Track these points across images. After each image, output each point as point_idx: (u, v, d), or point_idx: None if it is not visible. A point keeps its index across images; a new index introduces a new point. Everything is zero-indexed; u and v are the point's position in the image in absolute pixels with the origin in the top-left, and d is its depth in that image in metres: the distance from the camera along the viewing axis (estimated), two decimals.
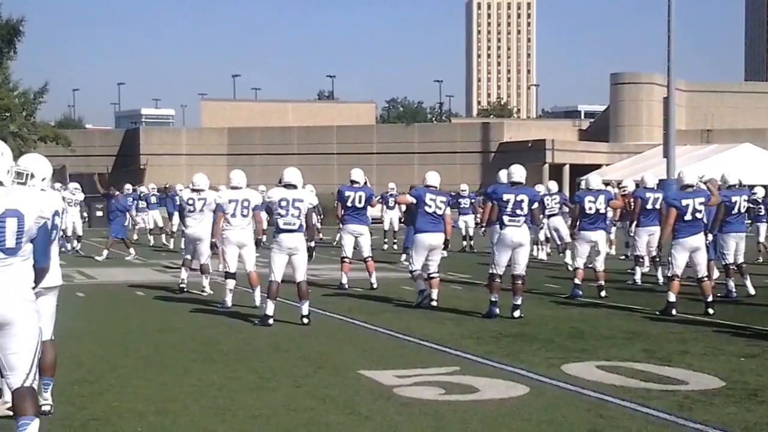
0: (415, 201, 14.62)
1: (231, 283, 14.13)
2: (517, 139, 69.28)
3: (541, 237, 24.48)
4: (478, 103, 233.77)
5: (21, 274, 5.64)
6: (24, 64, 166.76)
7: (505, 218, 13.06)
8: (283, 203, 12.21)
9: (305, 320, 12.24)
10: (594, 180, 16.11)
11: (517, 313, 12.95)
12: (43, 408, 7.01)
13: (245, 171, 14.60)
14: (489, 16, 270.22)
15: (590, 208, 15.43)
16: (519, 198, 13.11)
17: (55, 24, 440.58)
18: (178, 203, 27.83)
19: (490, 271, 13.28)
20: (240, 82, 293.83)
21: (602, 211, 15.64)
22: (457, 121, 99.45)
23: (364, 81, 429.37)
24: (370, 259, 17.01)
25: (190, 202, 15.98)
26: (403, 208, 23.13)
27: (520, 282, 13.21)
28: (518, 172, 13.48)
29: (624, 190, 21.82)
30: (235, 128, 75.29)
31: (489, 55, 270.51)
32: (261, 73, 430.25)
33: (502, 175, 16.14)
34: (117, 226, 24.78)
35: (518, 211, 13.08)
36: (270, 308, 12.23)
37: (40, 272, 5.82)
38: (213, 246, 14.63)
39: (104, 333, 11.80)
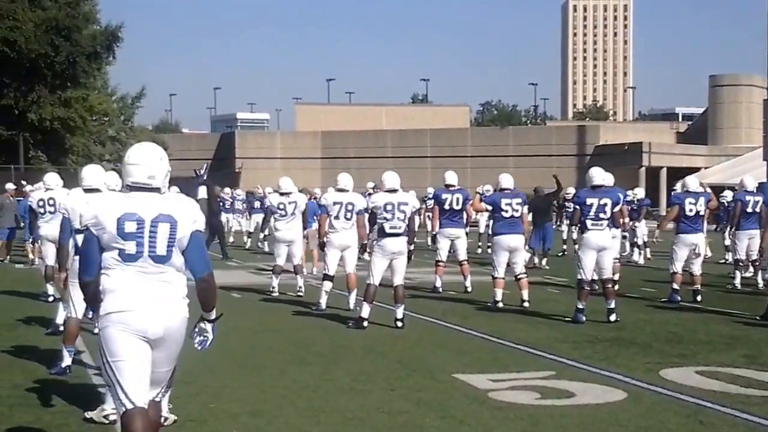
0: (490, 208, 14.61)
1: (328, 285, 14.17)
2: (613, 142, 68.36)
3: (639, 241, 24.15)
4: (574, 105, 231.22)
5: (175, 286, 5.38)
6: (122, 69, 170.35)
7: (588, 222, 12.91)
8: (389, 207, 12.23)
9: (399, 324, 12.22)
10: (692, 181, 15.76)
11: (613, 317, 12.75)
12: (112, 417, 7.04)
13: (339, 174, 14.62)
14: (585, 18, 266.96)
15: (691, 210, 15.10)
16: (602, 202, 12.95)
17: (152, 30, 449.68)
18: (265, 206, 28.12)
19: (579, 277, 13.09)
20: (334, 86, 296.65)
21: (702, 212, 15.32)
22: (552, 123, 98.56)
23: (459, 84, 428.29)
24: (465, 262, 16.92)
25: (281, 206, 16.04)
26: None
27: (610, 285, 13.07)
28: (598, 175, 13.30)
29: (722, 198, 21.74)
30: (329, 132, 75.79)
31: (585, 58, 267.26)
32: (355, 77, 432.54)
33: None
34: None
35: (601, 215, 12.91)
36: (365, 311, 12.24)
37: (204, 284, 5.44)
38: (322, 246, 14.62)
39: None
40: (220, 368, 9.47)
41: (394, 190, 12.43)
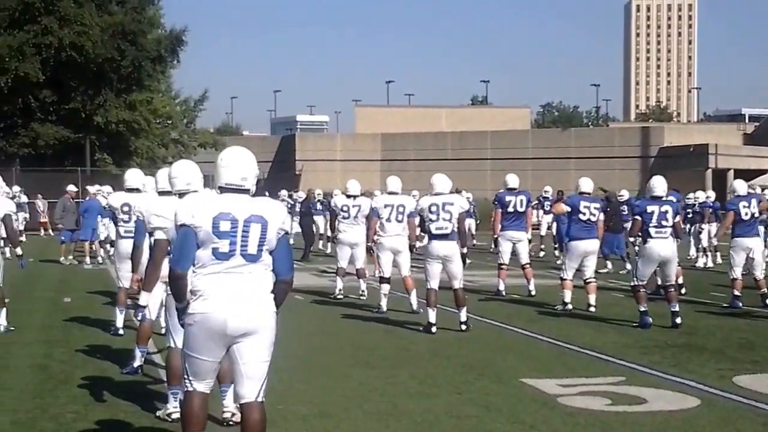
0: (570, 209, 14.47)
1: (386, 288, 14.27)
2: (678, 144, 67.48)
3: (704, 243, 23.78)
4: (637, 107, 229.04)
5: (264, 283, 5.61)
6: (185, 72, 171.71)
7: (652, 230, 12.72)
8: (433, 208, 12.18)
9: (463, 327, 12.17)
10: (740, 185, 15.44)
11: (678, 320, 12.57)
12: (224, 415, 7.17)
13: (399, 176, 14.70)
14: (648, 18, 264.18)
15: (746, 214, 14.84)
16: (663, 209, 12.80)
17: (213, 33, 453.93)
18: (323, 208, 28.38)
19: (633, 284, 12.94)
20: (393, 88, 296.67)
21: (756, 215, 15.07)
22: (614, 125, 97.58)
23: (519, 85, 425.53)
24: (528, 266, 16.78)
25: (345, 208, 16.04)
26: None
27: (673, 290, 12.88)
28: (660, 186, 13.12)
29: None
30: (388, 134, 75.78)
31: (648, 58, 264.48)
32: (414, 79, 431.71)
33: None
34: None
35: (664, 223, 12.74)
36: (432, 316, 12.17)
37: (284, 285, 5.72)
38: (369, 250, 14.74)
39: None
40: (285, 370, 9.47)
41: (442, 193, 12.39)
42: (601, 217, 14.58)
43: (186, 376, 5.67)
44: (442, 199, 12.26)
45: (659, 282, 13.13)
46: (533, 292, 16.42)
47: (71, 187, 25.26)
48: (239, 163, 5.72)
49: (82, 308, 14.36)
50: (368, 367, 9.79)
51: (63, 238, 23.91)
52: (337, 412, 7.66)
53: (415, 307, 13.87)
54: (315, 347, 11.09)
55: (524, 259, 16.74)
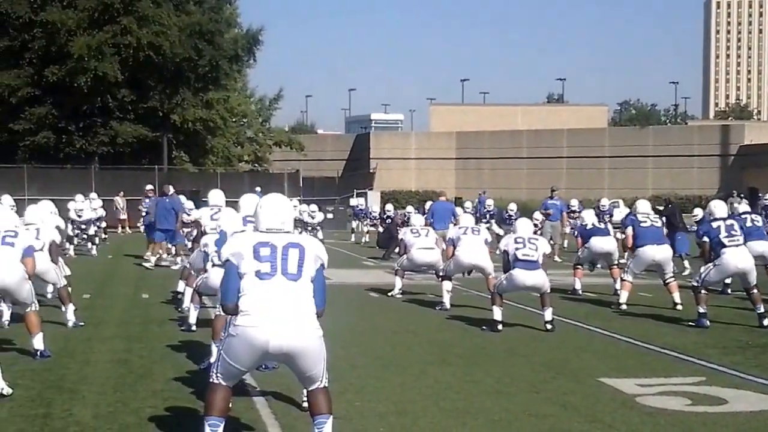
0: (632, 228, 14.39)
1: (448, 285, 14.52)
2: (758, 142, 66.11)
3: None
4: (716, 104, 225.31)
5: (306, 302, 5.94)
6: (260, 71, 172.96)
7: (725, 240, 12.49)
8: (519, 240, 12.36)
9: (548, 326, 12.09)
10: None
11: (765, 322, 12.31)
12: (304, 404, 7.20)
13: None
14: (729, 15, 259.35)
15: None
16: (728, 223, 12.69)
17: (289, 31, 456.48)
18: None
19: (694, 285, 12.73)
20: (468, 86, 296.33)
21: None
22: (693, 123, 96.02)
23: (595, 83, 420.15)
24: (615, 266, 16.61)
25: (414, 230, 16.15)
26: None
27: (755, 291, 12.61)
28: (720, 208, 13.04)
29: None
30: (463, 132, 75.34)
31: (728, 55, 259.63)
32: (489, 78, 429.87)
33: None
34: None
35: (733, 232, 12.55)
36: (497, 314, 12.16)
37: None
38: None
39: (342, 333, 11.89)
40: (362, 367, 9.54)
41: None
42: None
43: (215, 371, 6.03)
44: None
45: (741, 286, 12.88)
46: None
47: (170, 187, 25.71)
48: (278, 209, 6.21)
49: (160, 305, 14.57)
50: (444, 364, 9.77)
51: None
52: (414, 410, 7.65)
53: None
54: (391, 344, 11.11)
55: (613, 260, 16.65)
